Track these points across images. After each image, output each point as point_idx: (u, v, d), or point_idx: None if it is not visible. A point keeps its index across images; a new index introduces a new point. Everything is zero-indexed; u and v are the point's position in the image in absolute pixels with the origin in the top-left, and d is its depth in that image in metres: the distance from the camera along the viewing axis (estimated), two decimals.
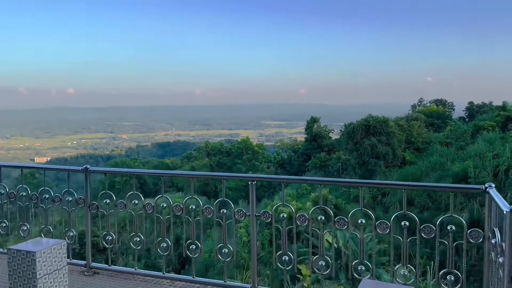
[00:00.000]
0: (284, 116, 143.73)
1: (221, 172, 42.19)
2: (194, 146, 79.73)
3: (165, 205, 3.47)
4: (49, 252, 2.87)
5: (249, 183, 3.22)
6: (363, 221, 2.96)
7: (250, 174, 3.32)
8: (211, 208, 3.36)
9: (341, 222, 2.96)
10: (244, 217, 3.21)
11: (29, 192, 4.05)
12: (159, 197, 3.53)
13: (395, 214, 2.90)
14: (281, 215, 3.15)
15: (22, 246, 2.92)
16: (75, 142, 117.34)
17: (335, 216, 3.12)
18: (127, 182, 43.97)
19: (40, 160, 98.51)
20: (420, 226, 2.76)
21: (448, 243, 2.73)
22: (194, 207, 3.35)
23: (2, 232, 4.07)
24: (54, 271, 2.94)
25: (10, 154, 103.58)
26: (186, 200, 3.46)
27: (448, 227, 2.70)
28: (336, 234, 19.63)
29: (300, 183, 25.02)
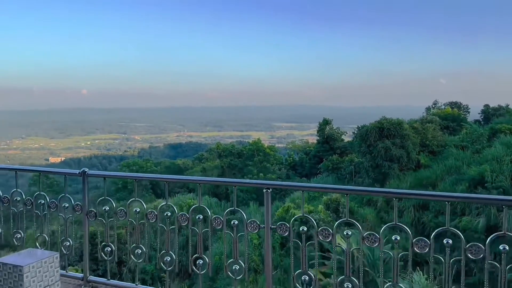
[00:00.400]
0: (295, 118, 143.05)
1: (232, 176, 42.10)
2: (206, 147, 79.73)
3: (169, 213, 3.10)
4: (39, 266, 2.55)
5: (264, 191, 2.84)
6: (398, 238, 2.54)
7: (265, 181, 2.94)
8: (220, 219, 2.98)
9: (372, 239, 2.55)
10: (258, 230, 2.83)
11: (24, 196, 3.75)
12: (163, 204, 3.16)
13: (437, 231, 2.39)
14: (301, 229, 2.76)
15: (10, 258, 2.60)
16: (88, 143, 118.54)
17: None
18: (140, 182, 44.11)
19: (54, 160, 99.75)
20: (466, 245, 2.35)
21: (500, 267, 2.30)
22: (201, 217, 2.99)
23: None
24: (45, 287, 2.61)
25: (25, 154, 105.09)
26: (192, 208, 3.09)
27: (501, 247, 2.28)
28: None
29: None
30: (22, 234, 3.63)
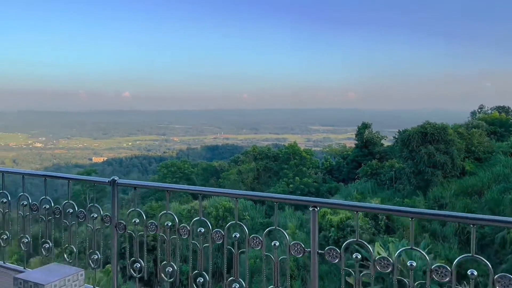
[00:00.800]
0: (332, 121, 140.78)
1: (267, 180, 41.85)
2: (242, 149, 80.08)
3: (202, 230, 2.80)
4: (62, 285, 2.35)
5: (311, 209, 2.48)
6: (475, 273, 2.09)
7: (313, 198, 2.56)
8: (259, 239, 2.64)
9: (442, 272, 2.09)
10: (303, 254, 2.46)
11: (52, 204, 3.58)
12: (196, 219, 2.86)
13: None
14: (354, 255, 2.37)
15: (32, 275, 2.43)
16: (130, 144, 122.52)
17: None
18: (177, 183, 44.81)
19: (97, 159, 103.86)
20: (495, 276, 1.90)
21: None
22: (237, 235, 2.67)
23: (24, 248, 3.65)
24: None
25: (70, 154, 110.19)
26: (230, 224, 2.77)
27: None
28: (388, 247, 18.26)
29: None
30: (50, 244, 3.49)
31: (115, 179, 3.16)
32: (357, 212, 2.54)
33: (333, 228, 22.54)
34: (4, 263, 3.84)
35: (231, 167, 46.93)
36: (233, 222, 2.72)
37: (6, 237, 3.70)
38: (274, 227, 2.69)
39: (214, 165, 52.22)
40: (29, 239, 3.60)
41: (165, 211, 2.92)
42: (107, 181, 3.21)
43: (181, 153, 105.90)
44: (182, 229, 2.82)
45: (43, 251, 3.46)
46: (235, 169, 44.20)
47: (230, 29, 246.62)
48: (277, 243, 2.57)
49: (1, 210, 3.72)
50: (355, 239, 2.52)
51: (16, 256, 11.48)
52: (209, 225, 2.74)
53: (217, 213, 26.97)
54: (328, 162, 46.04)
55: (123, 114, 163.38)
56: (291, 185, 37.94)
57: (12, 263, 3.91)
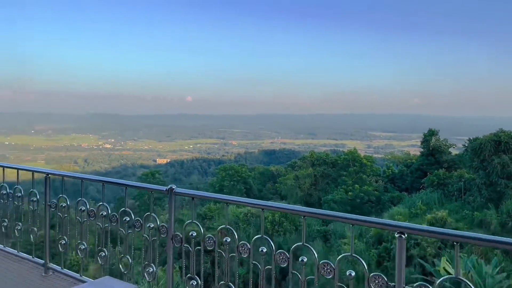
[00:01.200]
0: (394, 127, 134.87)
1: (325, 186, 40.81)
2: (299, 155, 79.40)
3: (264, 249, 2.49)
4: None
5: (397, 235, 2.05)
6: None
7: (399, 223, 2.15)
8: (331, 266, 2.27)
9: None
10: None
11: (109, 211, 3.49)
12: (257, 236, 2.55)
13: None
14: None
15: None
16: (191, 146, 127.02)
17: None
18: (234, 186, 45.33)
19: (161, 161, 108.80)
20: None
21: None
22: (304, 259, 2.32)
23: (80, 255, 3.60)
24: None
25: (137, 155, 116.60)
26: (295, 246, 2.44)
27: None
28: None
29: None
30: (106, 253, 3.39)
31: (173, 187, 2.95)
32: (456, 243, 2.08)
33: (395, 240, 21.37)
34: (61, 268, 3.84)
35: (288, 172, 46.54)
36: (301, 243, 2.39)
37: (64, 242, 3.70)
38: (350, 253, 2.29)
39: (271, 170, 52.18)
40: (85, 246, 3.54)
41: (224, 225, 2.67)
42: (164, 189, 3.01)
43: (239, 156, 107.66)
44: (242, 246, 2.54)
45: (99, 260, 3.38)
46: (292, 174, 43.72)
47: (288, 35, 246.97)
48: (353, 273, 2.18)
49: (61, 215, 3.72)
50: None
51: (72, 260, 11.88)
52: (272, 244, 2.44)
53: (273, 218, 26.73)
54: (390, 170, 43.89)
55: (186, 118, 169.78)
56: (350, 193, 36.73)
57: (69, 268, 3.90)
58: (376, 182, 40.32)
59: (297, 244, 2.44)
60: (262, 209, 2.48)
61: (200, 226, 2.82)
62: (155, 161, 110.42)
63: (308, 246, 2.43)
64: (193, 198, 3.02)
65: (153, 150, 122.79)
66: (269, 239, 2.56)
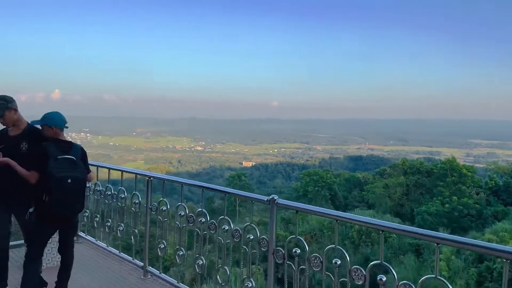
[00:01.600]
0: (497, 135, 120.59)
1: (419, 197, 37.91)
2: (388, 162, 75.28)
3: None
4: None
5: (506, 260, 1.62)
6: None
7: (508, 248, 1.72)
8: None
9: None
10: None
11: (187, 211, 3.52)
12: (377, 263, 2.17)
13: None
14: None
15: None
16: (275, 150, 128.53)
17: None
18: (319, 192, 44.51)
19: (247, 164, 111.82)
20: None
21: None
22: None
23: (178, 261, 3.62)
24: None
25: (224, 157, 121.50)
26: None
27: None
28: None
29: None
30: (204, 261, 3.34)
31: (275, 197, 2.75)
32: None
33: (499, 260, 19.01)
34: (160, 273, 3.90)
35: (376, 180, 44.45)
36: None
37: (163, 246, 3.75)
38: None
39: (357, 176, 50.29)
40: (183, 252, 3.54)
41: (333, 245, 2.39)
42: (265, 199, 2.83)
43: (323, 161, 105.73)
44: (355, 271, 2.21)
45: (196, 268, 3.33)
46: (381, 182, 41.59)
47: (376, 39, 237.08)
48: None
49: (161, 218, 3.78)
50: None
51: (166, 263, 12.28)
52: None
53: (360, 227, 25.61)
54: (493, 182, 39.25)
55: (271, 122, 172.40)
56: (447, 205, 33.65)
57: (164, 272, 3.95)
58: (477, 194, 36.53)
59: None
60: (381, 231, 2.13)
61: (305, 243, 2.58)
62: (241, 163, 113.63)
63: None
64: (297, 212, 2.75)
65: (239, 153, 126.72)
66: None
